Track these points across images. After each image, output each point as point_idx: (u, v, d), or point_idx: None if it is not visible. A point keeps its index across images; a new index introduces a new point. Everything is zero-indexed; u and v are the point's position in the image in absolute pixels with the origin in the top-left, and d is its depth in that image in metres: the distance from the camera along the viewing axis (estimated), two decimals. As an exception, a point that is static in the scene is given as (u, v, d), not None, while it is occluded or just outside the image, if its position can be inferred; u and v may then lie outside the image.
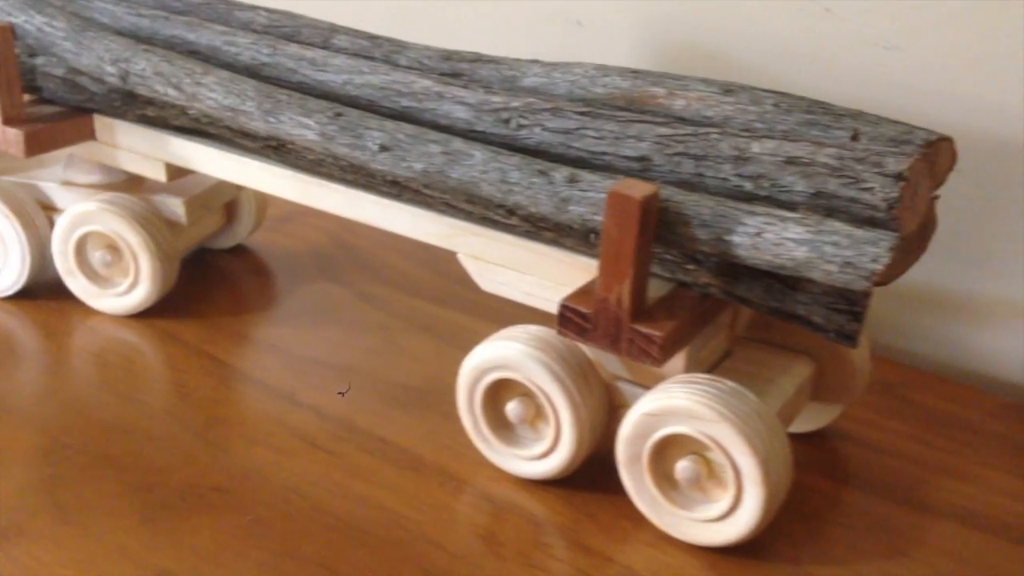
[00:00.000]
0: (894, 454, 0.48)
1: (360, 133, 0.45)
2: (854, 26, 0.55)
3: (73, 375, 0.52)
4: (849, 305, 0.37)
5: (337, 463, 0.45)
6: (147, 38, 0.54)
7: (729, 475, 0.39)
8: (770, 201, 0.38)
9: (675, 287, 0.42)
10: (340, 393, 0.49)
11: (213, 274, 0.63)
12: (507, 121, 0.44)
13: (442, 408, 0.49)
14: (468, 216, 0.46)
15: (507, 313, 0.51)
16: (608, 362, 0.44)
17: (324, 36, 0.53)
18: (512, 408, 0.44)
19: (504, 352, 0.43)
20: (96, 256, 0.57)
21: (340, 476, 0.45)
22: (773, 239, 0.36)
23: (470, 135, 0.45)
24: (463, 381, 0.45)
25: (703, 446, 0.39)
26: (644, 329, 0.39)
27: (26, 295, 0.59)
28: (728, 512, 0.39)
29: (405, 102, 0.47)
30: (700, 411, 0.38)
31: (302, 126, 0.47)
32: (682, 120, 0.43)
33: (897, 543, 0.42)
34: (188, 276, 0.63)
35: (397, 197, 0.48)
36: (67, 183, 0.60)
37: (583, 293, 0.41)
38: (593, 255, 0.42)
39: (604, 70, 0.46)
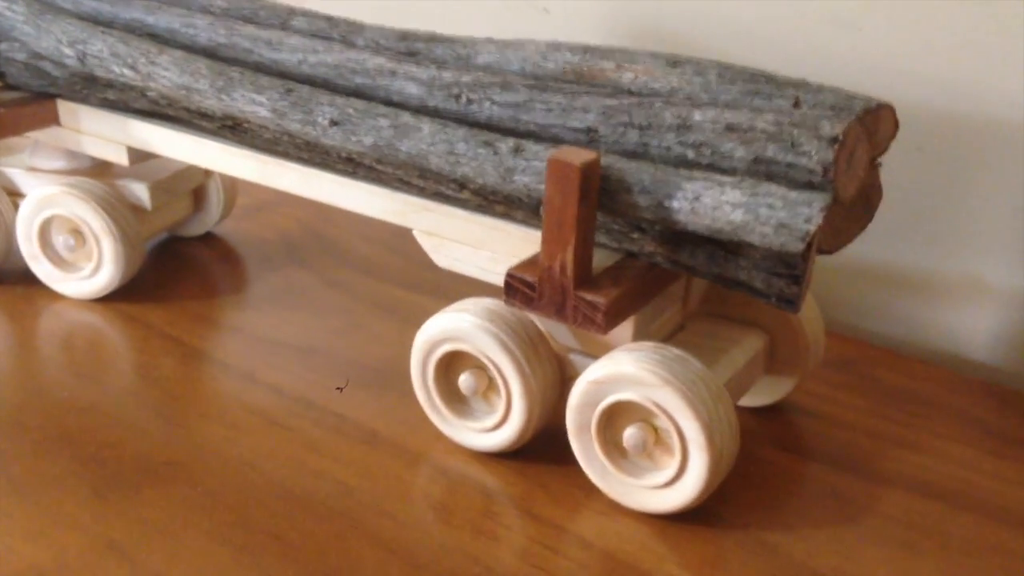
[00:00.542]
0: (849, 427, 0.48)
1: (311, 109, 0.46)
2: (813, 6, 0.56)
3: (34, 357, 0.52)
4: (788, 269, 0.37)
5: (292, 438, 0.46)
6: (107, 22, 0.54)
7: (675, 441, 0.39)
8: (712, 168, 0.38)
9: (622, 257, 0.42)
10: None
11: (180, 261, 0.64)
12: (457, 96, 0.44)
13: (401, 386, 0.49)
14: (421, 192, 0.46)
15: (471, 295, 0.51)
16: (560, 334, 0.44)
17: (282, 18, 0.54)
18: (464, 380, 0.44)
19: (455, 324, 0.43)
20: (60, 240, 0.57)
21: (294, 450, 0.45)
22: (711, 203, 0.37)
23: (422, 111, 0.45)
24: (416, 354, 0.45)
25: (649, 413, 0.40)
26: (589, 296, 0.39)
27: (-8, 281, 0.59)
28: (674, 478, 0.39)
29: (359, 79, 0.47)
30: (644, 377, 0.39)
31: (254, 103, 0.47)
32: (629, 92, 0.43)
33: (847, 510, 0.42)
34: (155, 263, 0.63)
35: (352, 175, 0.48)
36: (32, 169, 0.60)
37: (529, 263, 0.41)
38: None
39: (555, 46, 0.47)
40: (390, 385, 0.50)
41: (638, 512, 0.41)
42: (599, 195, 0.39)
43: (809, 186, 0.36)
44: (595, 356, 0.42)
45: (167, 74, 0.50)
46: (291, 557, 0.38)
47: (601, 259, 0.42)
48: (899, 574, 0.38)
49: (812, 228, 0.35)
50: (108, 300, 0.57)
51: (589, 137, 0.41)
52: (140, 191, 0.59)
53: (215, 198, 0.66)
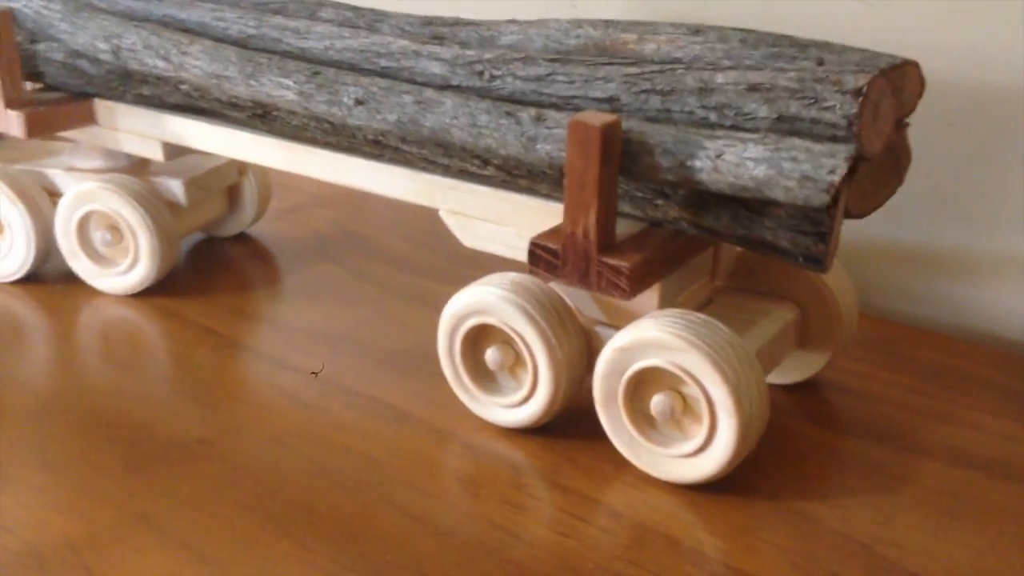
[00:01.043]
0: (886, 402, 0.47)
1: (336, 89, 0.46)
2: (840, -16, 0.55)
3: (72, 347, 0.53)
4: (814, 226, 0.37)
5: (320, 417, 0.46)
6: (141, 19, 0.56)
7: (703, 407, 0.38)
8: (735, 130, 0.38)
9: (646, 226, 0.42)
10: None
11: (216, 259, 0.64)
12: (481, 73, 0.45)
13: (429, 369, 0.49)
14: (446, 170, 0.46)
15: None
16: (587, 307, 0.44)
17: (310, 10, 0.54)
18: (491, 355, 0.44)
19: (481, 297, 0.43)
20: (97, 236, 0.58)
21: (322, 428, 0.45)
22: (733, 160, 0.36)
23: (447, 89, 0.45)
24: (443, 329, 0.45)
25: (677, 380, 0.39)
26: (612, 261, 0.39)
27: (32, 279, 0.60)
28: (703, 445, 0.39)
29: (384, 62, 0.47)
30: (670, 341, 0.38)
31: (281, 87, 0.48)
32: (651, 62, 0.43)
33: (884, 480, 0.41)
34: (192, 261, 0.64)
35: (379, 157, 0.49)
36: (71, 169, 0.61)
37: (553, 231, 0.41)
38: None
39: (577, 23, 0.47)
40: (418, 368, 0.50)
41: (668, 483, 0.40)
42: (621, 158, 0.38)
43: (833, 141, 0.36)
44: (622, 327, 0.42)
45: (198, 63, 0.50)
46: (318, 526, 0.38)
47: (625, 229, 0.41)
48: (938, 539, 0.37)
49: (837, 179, 0.34)
50: (144, 295, 0.58)
51: (612, 107, 0.41)
52: (175, 187, 0.60)
53: (249, 198, 0.66)
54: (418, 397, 0.47)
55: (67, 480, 0.41)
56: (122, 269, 0.58)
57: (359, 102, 0.46)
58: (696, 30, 0.43)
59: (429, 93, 0.44)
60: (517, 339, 0.43)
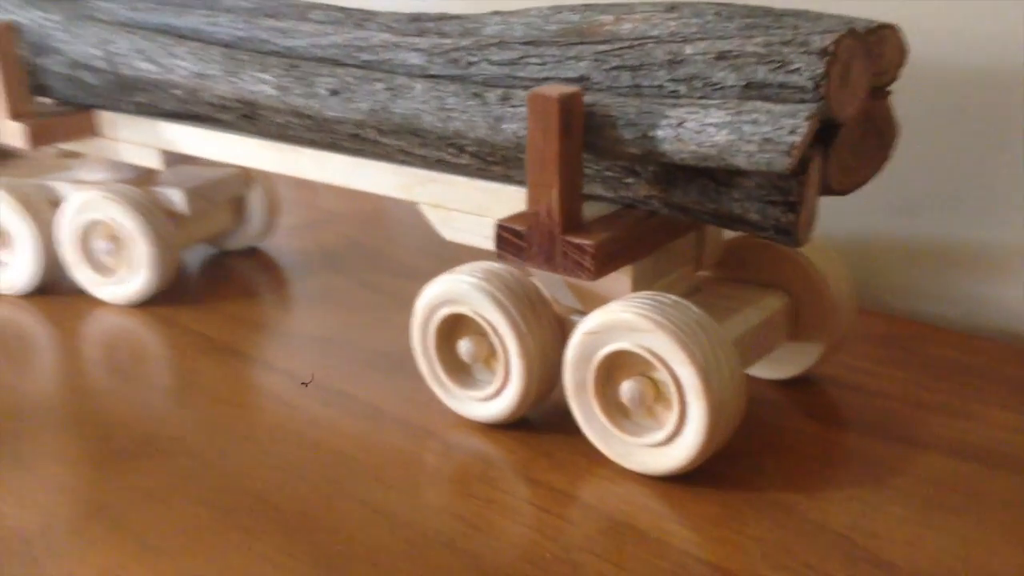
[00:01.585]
0: (890, 397, 0.44)
1: (311, 81, 0.46)
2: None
3: (64, 353, 0.53)
4: (783, 195, 0.35)
5: (297, 415, 0.45)
6: (138, 28, 0.56)
7: (672, 391, 0.36)
8: (702, 99, 0.36)
9: (619, 208, 0.40)
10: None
11: (222, 270, 0.64)
12: (457, 60, 0.44)
13: (413, 371, 0.48)
14: (424, 161, 0.45)
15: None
16: (562, 295, 0.42)
17: (300, 12, 0.54)
18: (464, 346, 0.42)
19: (451, 286, 0.42)
20: (99, 245, 0.58)
21: (297, 426, 0.44)
22: (694, 127, 0.35)
23: (420, 77, 0.45)
24: (416, 322, 0.43)
25: (646, 364, 0.37)
26: (576, 240, 0.37)
27: (40, 292, 0.60)
28: (674, 433, 0.37)
29: (364, 56, 0.47)
30: (636, 322, 0.36)
31: (260, 81, 0.47)
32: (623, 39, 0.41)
33: (873, 472, 0.38)
34: (197, 272, 0.63)
35: (360, 153, 0.48)
36: (77, 182, 0.61)
37: (520, 214, 0.40)
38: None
39: (557, 9, 0.46)
40: (404, 370, 0.48)
41: (644, 476, 0.38)
42: (584, 132, 0.37)
43: (801, 104, 0.34)
44: (598, 316, 0.40)
45: (184, 64, 0.51)
46: (273, 518, 0.37)
47: (598, 211, 0.40)
48: (924, 530, 0.35)
49: (798, 139, 0.32)
50: (145, 304, 0.58)
51: (583, 85, 0.40)
52: (176, 196, 0.60)
53: (257, 210, 0.66)
54: (398, 396, 0.46)
55: (33, 475, 0.40)
56: (122, 279, 0.58)
57: (333, 92, 0.45)
58: (671, 6, 0.42)
59: (401, 80, 0.43)
60: (487, 327, 0.41)
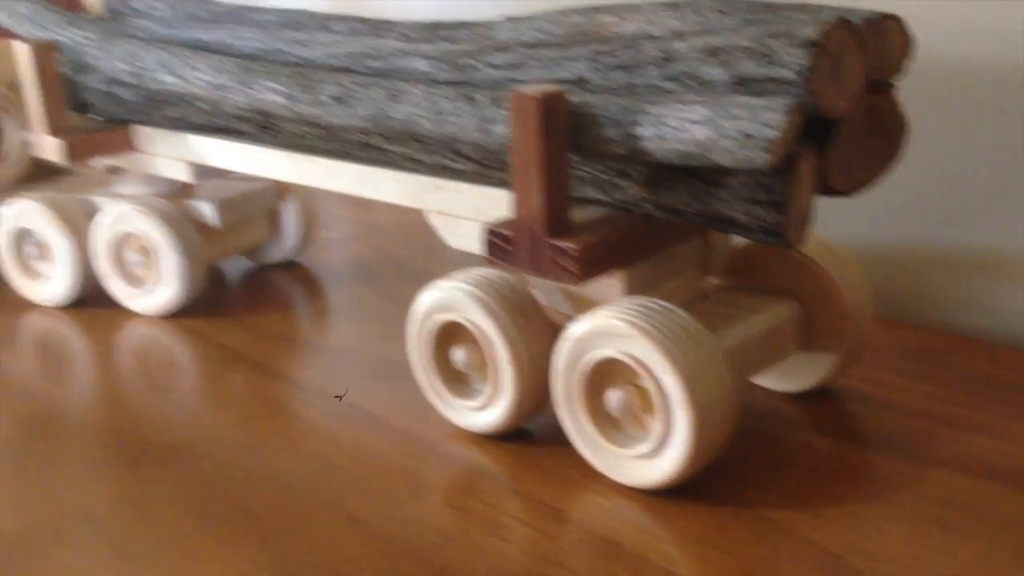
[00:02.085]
0: (908, 412, 0.42)
1: (317, 89, 0.45)
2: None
3: (82, 361, 0.53)
4: (768, 194, 0.33)
5: (297, 425, 0.44)
6: (168, 43, 0.57)
7: (657, 401, 0.35)
8: (687, 94, 0.35)
9: (613, 212, 0.39)
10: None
11: (255, 283, 0.64)
12: (461, 66, 0.43)
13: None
14: (428, 168, 0.45)
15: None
16: (558, 303, 0.41)
17: (322, 23, 0.54)
18: (459, 355, 0.41)
19: (444, 294, 0.41)
20: (131, 257, 0.59)
21: (294, 434, 0.43)
22: (676, 124, 0.33)
23: (422, 82, 0.44)
24: (412, 330, 0.43)
25: (633, 372, 0.36)
26: (560, 243, 0.36)
27: (78, 304, 0.61)
28: (660, 444, 0.35)
29: (374, 63, 0.47)
30: (621, 328, 0.35)
31: (271, 91, 0.47)
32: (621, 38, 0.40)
33: (878, 490, 0.36)
34: (233, 285, 0.64)
35: (369, 161, 0.48)
36: (116, 196, 0.63)
37: (507, 219, 0.39)
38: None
39: (565, 12, 0.45)
40: (411, 380, 0.48)
41: (632, 489, 0.37)
42: (570, 133, 0.36)
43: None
44: (593, 324, 0.39)
45: (203, 76, 0.51)
46: (249, 526, 0.36)
47: (592, 215, 0.39)
48: (922, 551, 0.32)
49: (777, 133, 0.31)
50: (173, 316, 0.58)
51: (580, 87, 0.39)
52: (208, 209, 0.60)
53: (291, 223, 0.66)
54: (401, 406, 0.45)
55: (25, 479, 0.41)
56: (151, 290, 0.58)
57: (337, 99, 0.45)
58: (672, 4, 0.40)
59: (400, 85, 0.43)
60: (480, 337, 0.40)
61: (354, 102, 0.44)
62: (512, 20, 0.47)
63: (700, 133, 0.32)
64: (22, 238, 0.62)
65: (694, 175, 0.35)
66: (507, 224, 0.38)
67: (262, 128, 0.52)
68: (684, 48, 0.35)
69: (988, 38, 0.48)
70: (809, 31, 0.32)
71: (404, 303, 0.58)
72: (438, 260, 0.67)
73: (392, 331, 0.54)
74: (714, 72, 0.34)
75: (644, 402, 0.36)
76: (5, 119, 0.66)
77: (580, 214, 0.38)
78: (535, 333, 0.40)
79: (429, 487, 0.38)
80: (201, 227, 0.60)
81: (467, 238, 0.45)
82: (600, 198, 0.39)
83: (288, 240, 0.67)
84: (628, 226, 0.38)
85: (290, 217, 0.66)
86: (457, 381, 0.42)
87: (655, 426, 0.35)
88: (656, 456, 0.35)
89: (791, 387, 0.43)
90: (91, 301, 0.61)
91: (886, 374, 0.45)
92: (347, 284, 0.63)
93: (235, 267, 0.67)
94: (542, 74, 0.40)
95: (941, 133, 0.49)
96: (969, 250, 0.51)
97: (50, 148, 0.59)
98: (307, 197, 0.67)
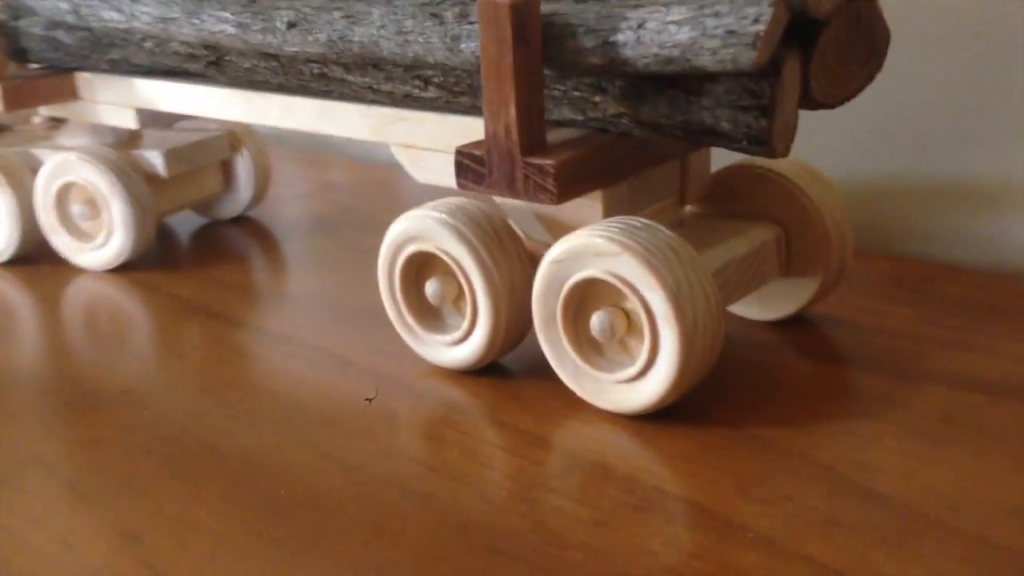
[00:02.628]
0: (893, 335, 0.41)
1: (270, 16, 0.43)
2: None
3: (27, 316, 0.51)
4: (754, 98, 0.32)
5: (257, 368, 0.42)
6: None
7: (643, 320, 0.33)
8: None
9: (589, 132, 0.37)
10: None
11: (208, 237, 0.62)
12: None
13: (390, 322, 0.45)
14: (392, 99, 0.43)
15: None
16: (533, 229, 0.39)
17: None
18: (431, 287, 0.40)
19: (415, 222, 0.39)
20: (75, 210, 0.56)
21: (256, 378, 0.41)
22: (655, 27, 0.32)
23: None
24: (382, 263, 0.41)
25: (616, 293, 0.34)
26: (536, 160, 0.34)
27: (21, 261, 0.58)
28: (646, 365, 0.34)
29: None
30: (603, 246, 0.33)
31: (221, 20, 0.45)
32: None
33: (870, 407, 0.35)
34: (182, 240, 0.61)
35: (328, 95, 0.46)
36: (57, 148, 0.60)
37: (479, 140, 0.37)
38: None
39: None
40: (377, 323, 0.46)
41: (616, 415, 0.35)
42: (544, 45, 0.34)
43: (772, 0, 0.31)
44: (570, 249, 0.38)
45: (147, 9, 0.48)
46: (216, 464, 0.34)
47: (566, 135, 0.37)
48: (921, 463, 0.31)
49: (762, 27, 0.29)
50: (123, 271, 0.55)
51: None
52: (154, 158, 0.58)
53: (245, 176, 0.64)
54: (367, 347, 0.43)
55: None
56: (99, 243, 0.56)
57: (291, 24, 0.43)
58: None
59: (359, 7, 0.41)
60: (455, 267, 0.38)
61: (311, 27, 0.42)
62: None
63: (682, 35, 0.31)
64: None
65: (674, 85, 0.34)
66: (479, 144, 0.36)
67: (211, 65, 0.49)
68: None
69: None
70: (794, -73, 0.31)
71: (367, 252, 0.57)
72: (394, 210, 0.65)
73: (355, 279, 0.52)
74: (693, -23, 0.33)
75: (628, 324, 0.35)
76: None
77: (553, 135, 0.37)
78: (511, 261, 0.38)
79: (403, 421, 0.37)
80: (149, 178, 0.57)
81: (435, 171, 0.43)
82: (574, 117, 0.37)
83: (241, 194, 0.65)
84: (604, 144, 0.36)
85: (243, 169, 0.64)
86: (430, 316, 0.41)
87: (640, 348, 0.34)
88: (642, 379, 0.34)
89: (771, 315, 0.42)
90: (35, 258, 0.58)
91: (866, 300, 0.44)
92: (305, 236, 0.61)
93: (185, 223, 0.65)
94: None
95: (910, 58, 0.49)
96: (945, 180, 0.50)
97: (-16, 96, 0.56)
98: (260, 147, 0.64)
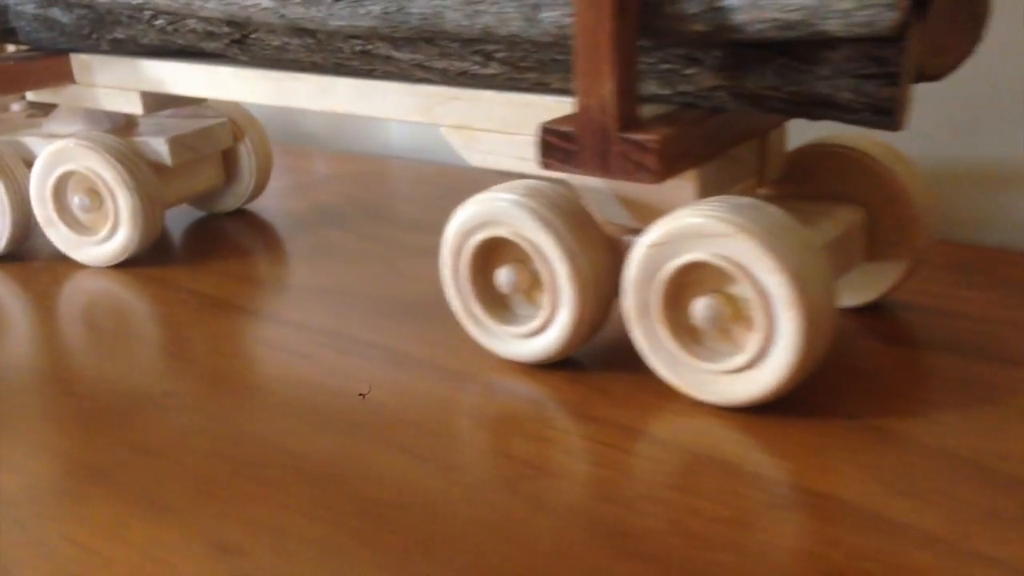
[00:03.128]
0: (971, 318, 0.40)
1: (315, -13, 0.40)
2: None
3: (44, 314, 0.47)
4: (880, 66, 0.30)
5: (311, 365, 0.39)
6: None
7: (756, 306, 0.31)
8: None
9: (676, 108, 0.35)
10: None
11: (213, 231, 0.58)
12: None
13: (437, 315, 0.43)
14: (444, 76, 0.40)
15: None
16: (612, 212, 0.37)
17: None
18: (504, 275, 0.37)
19: (488, 205, 0.37)
20: (75, 201, 0.52)
21: (313, 375, 0.38)
22: (777, -10, 0.30)
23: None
24: (447, 250, 0.38)
25: (723, 277, 0.32)
26: (636, 136, 0.32)
27: (11, 258, 0.54)
28: (760, 353, 0.32)
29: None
30: (713, 226, 0.31)
31: (256, -6, 0.42)
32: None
33: (980, 392, 0.34)
34: (186, 234, 0.58)
35: (370, 73, 0.43)
36: (51, 136, 0.56)
37: (567, 116, 0.35)
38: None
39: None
40: (425, 316, 0.43)
41: (718, 407, 0.33)
42: (640, 9, 0.32)
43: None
44: (654, 233, 0.35)
45: (167, -15, 0.45)
46: (297, 467, 0.32)
47: (652, 112, 0.35)
48: (1061, 449, 0.30)
49: (907, -10, 0.28)
50: (130, 266, 0.52)
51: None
52: (159, 145, 0.54)
53: (247, 166, 0.61)
54: (423, 340, 0.41)
55: (16, 436, 0.35)
56: (102, 236, 0.52)
57: (340, -2, 0.40)
58: None
59: (419, -24, 0.38)
60: (533, 253, 0.36)
61: None
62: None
63: (810, -2, 0.29)
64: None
65: (783, 53, 0.32)
66: (567, 120, 0.34)
67: (234, 43, 0.46)
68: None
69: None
70: None
71: (384, 241, 0.54)
72: (406, 202, 0.63)
73: (378, 269, 0.50)
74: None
75: (734, 311, 0.32)
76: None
77: (641, 111, 0.35)
78: (594, 246, 0.36)
79: (488, 418, 0.34)
80: (154, 166, 0.54)
81: (492, 153, 0.40)
82: (660, 92, 0.35)
83: (244, 185, 0.61)
84: (697, 119, 0.34)
85: (245, 159, 0.61)
86: (498, 306, 0.38)
87: (750, 336, 0.32)
88: (754, 368, 0.32)
89: (850, 301, 0.41)
90: (25, 254, 0.55)
91: (931, 284, 0.42)
92: (313, 228, 0.58)
93: (182, 217, 0.61)
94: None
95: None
96: (990, 163, 0.49)
97: (-28, 80, 0.52)
98: (261, 136, 0.61)
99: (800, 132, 0.40)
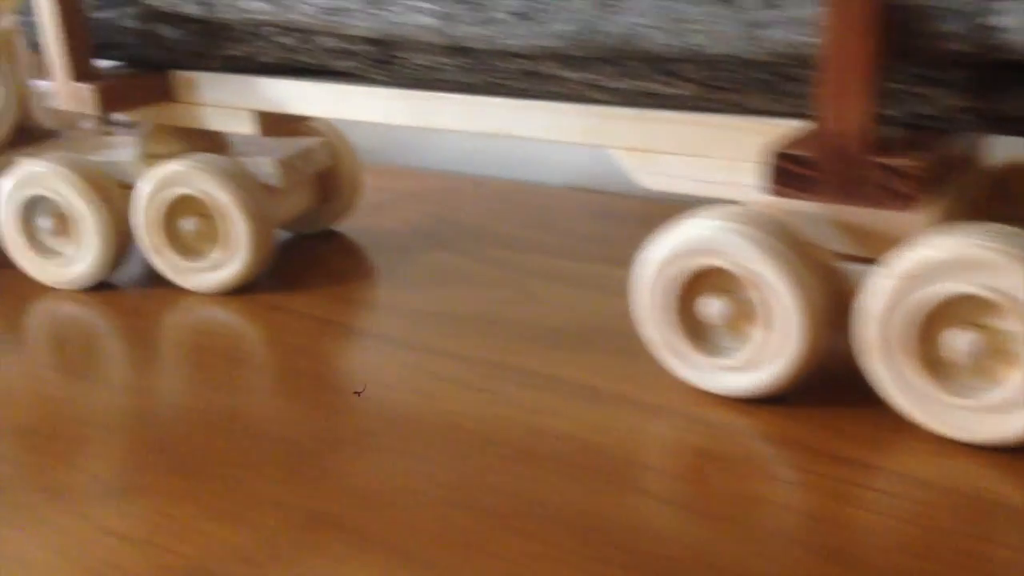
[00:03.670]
0: None
1: (486, 5, 0.38)
2: None
3: (168, 348, 0.44)
4: None
5: (495, 399, 0.37)
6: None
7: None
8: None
9: (911, 131, 0.34)
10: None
11: (307, 255, 0.56)
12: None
13: (605, 346, 0.41)
14: (620, 96, 0.38)
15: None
16: (827, 239, 0.35)
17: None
18: (715, 307, 0.35)
19: (702, 232, 0.35)
20: (185, 226, 0.50)
21: (504, 411, 0.36)
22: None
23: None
24: (647, 281, 0.36)
25: (982, 309, 0.31)
26: (891, 161, 0.30)
27: (106, 286, 0.51)
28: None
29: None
30: (979, 256, 0.30)
31: (416, 10, 0.40)
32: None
33: None
34: (281, 258, 0.55)
35: (525, 93, 0.41)
36: (147, 156, 0.53)
37: (798, 140, 0.33)
38: (783, 110, 0.35)
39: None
40: (591, 346, 0.41)
41: (968, 445, 0.32)
42: (887, 32, 0.30)
43: None
44: (876, 259, 0.34)
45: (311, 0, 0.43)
46: (546, 516, 0.29)
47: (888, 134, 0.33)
48: None
49: None
50: (235, 294, 0.49)
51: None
52: (267, 166, 0.52)
53: (340, 186, 0.58)
54: (602, 372, 0.39)
55: (208, 484, 0.32)
56: (214, 262, 0.49)
57: (519, 15, 0.38)
58: None
59: (613, -7, 0.36)
60: (753, 283, 0.34)
61: (546, 17, 0.37)
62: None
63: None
64: (32, 210, 0.52)
65: (1043, 73, 0.30)
66: (806, 144, 0.32)
67: (375, 63, 0.44)
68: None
69: None
70: None
71: (505, 265, 0.52)
72: (502, 221, 0.60)
73: (514, 295, 0.48)
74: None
75: (995, 344, 0.31)
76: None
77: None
78: (820, 275, 0.34)
79: (719, 458, 0.32)
80: (264, 187, 0.51)
81: (671, 177, 0.39)
82: (888, 113, 0.34)
83: (339, 205, 0.59)
84: (934, 140, 0.33)
85: (340, 180, 0.58)
86: (698, 336, 0.36)
87: (1011, 371, 0.30)
88: (1019, 406, 0.31)
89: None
90: (119, 283, 0.52)
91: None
92: (419, 250, 0.55)
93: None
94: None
95: None
96: None
97: (77, 96, 0.49)
98: (354, 158, 0.59)
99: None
